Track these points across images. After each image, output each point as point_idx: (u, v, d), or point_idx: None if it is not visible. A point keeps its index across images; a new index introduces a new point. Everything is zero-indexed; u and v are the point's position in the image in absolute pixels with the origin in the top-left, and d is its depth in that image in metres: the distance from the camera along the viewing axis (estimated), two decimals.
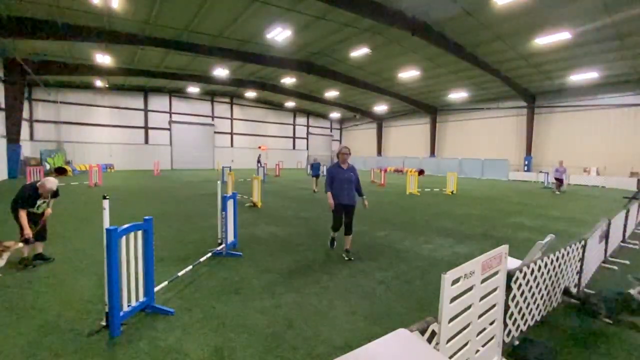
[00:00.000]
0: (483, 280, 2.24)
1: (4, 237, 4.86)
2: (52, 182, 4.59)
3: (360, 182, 5.31)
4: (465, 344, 2.12)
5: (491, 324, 2.46)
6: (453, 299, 1.96)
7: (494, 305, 2.44)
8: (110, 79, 25.87)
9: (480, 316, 2.24)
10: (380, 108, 34.42)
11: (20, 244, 4.34)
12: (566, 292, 3.49)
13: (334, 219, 5.19)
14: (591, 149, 22.97)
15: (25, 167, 17.56)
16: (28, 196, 4.51)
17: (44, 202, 4.69)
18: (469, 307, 2.11)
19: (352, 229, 5.19)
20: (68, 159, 26.24)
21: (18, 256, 4.51)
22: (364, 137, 42.72)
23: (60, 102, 26.58)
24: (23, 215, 4.42)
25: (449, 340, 1.95)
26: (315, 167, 15.33)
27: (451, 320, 1.96)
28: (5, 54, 17.42)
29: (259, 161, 30.01)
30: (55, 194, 4.86)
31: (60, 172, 21.35)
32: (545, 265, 3.03)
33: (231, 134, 36.70)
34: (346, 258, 5.05)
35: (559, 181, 15.68)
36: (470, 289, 2.10)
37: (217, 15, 14.45)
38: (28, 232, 4.41)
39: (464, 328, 2.09)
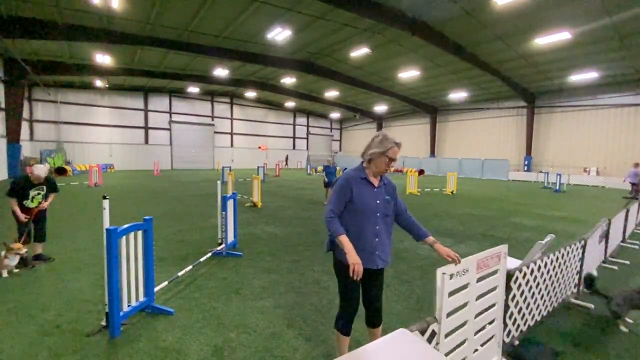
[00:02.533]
0: (480, 279, 2.23)
1: (2, 237, 4.87)
2: (40, 169, 4.54)
3: None
4: (463, 342, 2.13)
5: (490, 323, 2.47)
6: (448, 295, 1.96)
7: (493, 305, 2.45)
8: (110, 79, 25.86)
9: (477, 315, 2.24)
10: (380, 108, 34.42)
11: (25, 250, 4.34)
12: (590, 283, 3.33)
13: (349, 291, 2.33)
14: (591, 149, 22.98)
15: (25, 167, 17.57)
16: (20, 186, 4.48)
17: (38, 193, 4.63)
18: (465, 304, 2.11)
19: (381, 313, 2.44)
20: (68, 159, 26.24)
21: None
22: (363, 137, 42.70)
23: (60, 102, 26.59)
24: (13, 202, 4.43)
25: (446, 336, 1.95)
26: (330, 173, 10.42)
27: (448, 315, 1.97)
28: (6, 54, 17.42)
29: (286, 161, 30.66)
30: (54, 188, 4.82)
31: (60, 172, 21.36)
32: (545, 265, 3.03)
33: (231, 134, 36.70)
34: None
35: (636, 185, 13.74)
36: (465, 286, 2.10)
37: (217, 15, 14.45)
38: (22, 218, 4.43)
39: (460, 326, 2.10)
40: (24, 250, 4.29)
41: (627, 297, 3.14)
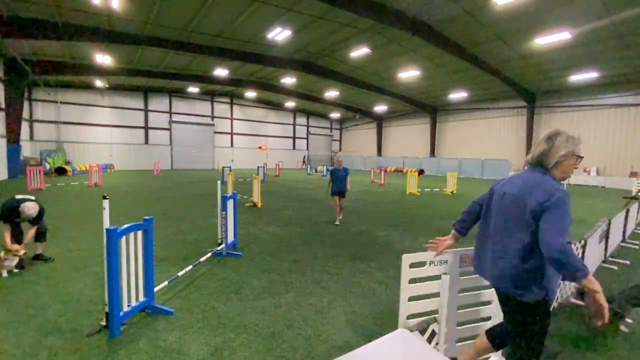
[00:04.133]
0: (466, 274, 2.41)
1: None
2: (30, 209, 4.43)
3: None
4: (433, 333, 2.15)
5: (488, 320, 2.50)
6: (412, 280, 2.18)
7: (489, 302, 2.52)
8: (110, 79, 25.85)
9: (461, 307, 2.33)
10: (380, 108, 34.40)
11: (22, 252, 4.33)
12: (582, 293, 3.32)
13: (544, 335, 1.87)
14: (591, 149, 22.95)
15: (25, 167, 17.57)
16: (9, 214, 4.42)
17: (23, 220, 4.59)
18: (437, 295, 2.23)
19: None
20: (68, 158, 26.24)
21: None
22: (364, 137, 42.70)
23: (60, 102, 26.57)
24: (5, 234, 4.36)
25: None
26: (338, 177, 7.79)
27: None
28: (6, 54, 17.42)
29: (304, 161, 30.92)
30: (37, 221, 4.61)
31: (60, 172, 21.36)
32: None
33: (231, 134, 36.69)
34: None
35: None
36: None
37: (217, 15, 14.45)
38: (15, 248, 4.30)
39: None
40: (21, 252, 4.29)
41: (629, 296, 3.13)
